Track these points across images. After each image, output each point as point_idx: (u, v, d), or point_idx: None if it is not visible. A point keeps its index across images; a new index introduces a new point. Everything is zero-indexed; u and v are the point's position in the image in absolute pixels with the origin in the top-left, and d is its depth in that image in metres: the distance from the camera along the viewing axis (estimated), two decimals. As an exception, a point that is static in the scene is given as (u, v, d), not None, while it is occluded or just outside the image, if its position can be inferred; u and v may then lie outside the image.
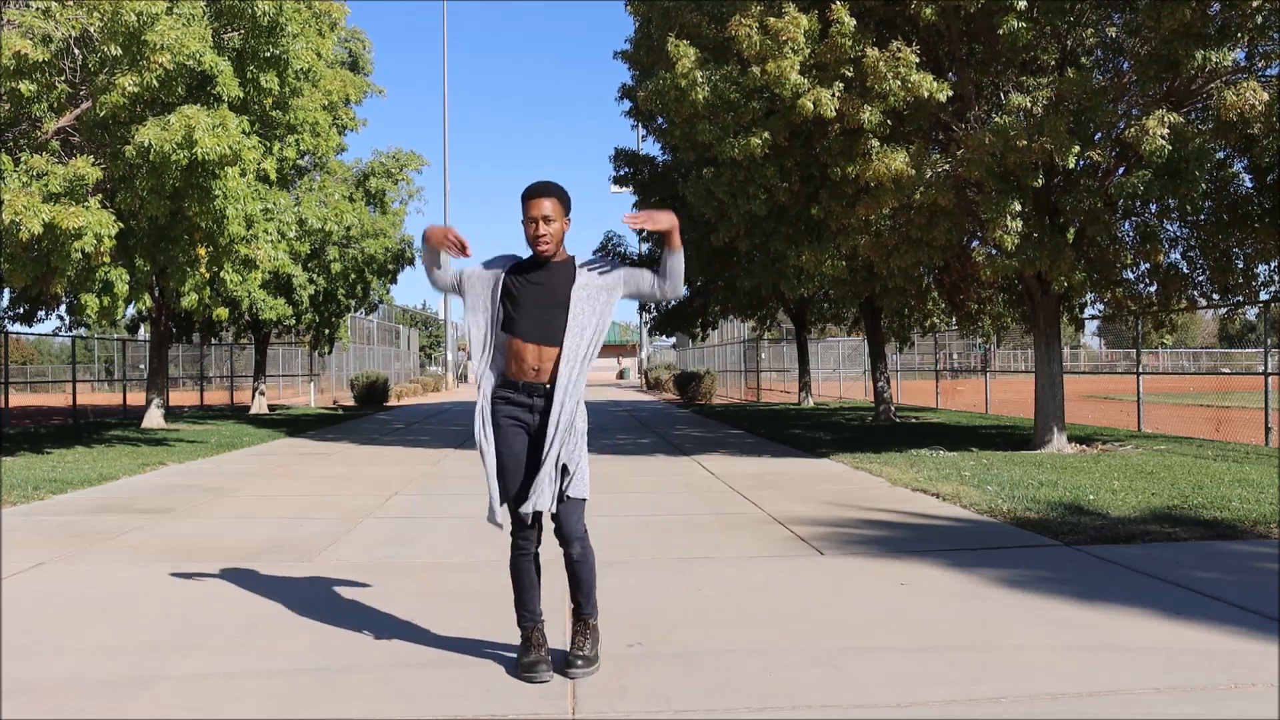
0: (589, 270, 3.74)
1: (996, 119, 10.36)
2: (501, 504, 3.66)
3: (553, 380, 3.64)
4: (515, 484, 3.65)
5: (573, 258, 3.76)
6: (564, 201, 3.70)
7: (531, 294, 3.67)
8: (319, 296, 21.01)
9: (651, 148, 25.27)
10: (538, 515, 3.69)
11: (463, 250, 3.70)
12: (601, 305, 3.72)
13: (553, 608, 4.12)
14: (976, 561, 5.60)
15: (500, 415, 3.69)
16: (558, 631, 4.04)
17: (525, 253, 3.78)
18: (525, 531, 3.70)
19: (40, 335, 41.57)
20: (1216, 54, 9.64)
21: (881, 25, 10.87)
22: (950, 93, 10.27)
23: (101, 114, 10.14)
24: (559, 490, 3.63)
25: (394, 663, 3.83)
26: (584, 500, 3.71)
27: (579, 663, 3.67)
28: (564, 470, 3.64)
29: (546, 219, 3.63)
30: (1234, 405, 19.96)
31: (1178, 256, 12.10)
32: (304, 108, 13.50)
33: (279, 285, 19.07)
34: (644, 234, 23.94)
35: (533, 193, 3.67)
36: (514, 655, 3.83)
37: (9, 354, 18.62)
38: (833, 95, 10.21)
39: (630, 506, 8.01)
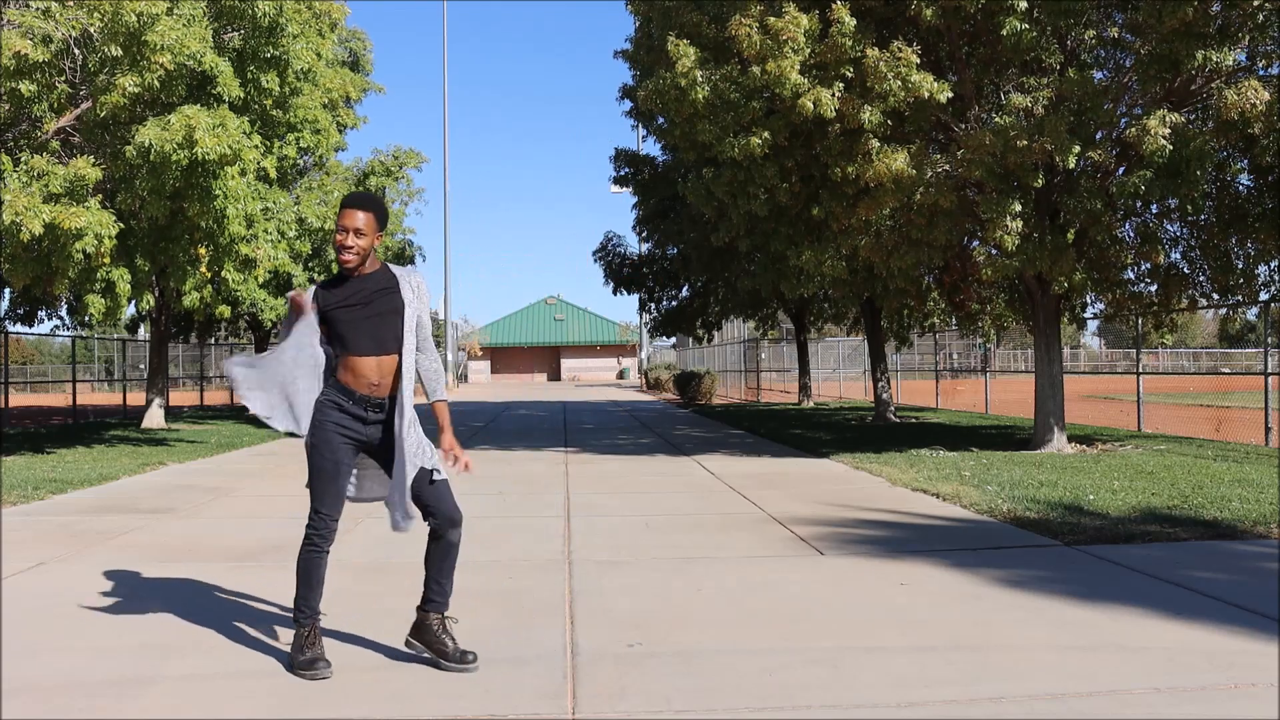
0: (407, 279, 3.79)
1: (997, 119, 10.36)
2: (327, 508, 3.70)
3: (393, 393, 3.72)
4: (341, 490, 3.73)
5: (385, 264, 3.81)
6: (380, 218, 3.74)
7: (357, 309, 3.69)
8: (319, 296, 20.99)
9: (652, 148, 25.31)
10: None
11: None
12: (418, 313, 3.81)
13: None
14: (976, 561, 5.60)
15: (329, 423, 3.71)
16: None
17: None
18: (331, 530, 3.73)
19: (40, 335, 41.60)
20: (1217, 53, 9.63)
21: (882, 25, 10.87)
22: (950, 93, 10.26)
23: (102, 114, 10.14)
24: (426, 476, 3.74)
25: (393, 663, 3.83)
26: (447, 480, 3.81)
27: (470, 658, 3.69)
28: (421, 464, 3.74)
29: (358, 232, 3.66)
30: (1234, 405, 19.96)
31: (1178, 257, 12.10)
32: (304, 106, 13.50)
33: (279, 285, 19.07)
34: (643, 234, 23.96)
35: (350, 203, 3.71)
36: (512, 655, 3.83)
37: (9, 354, 18.62)
38: (833, 95, 10.20)
39: (631, 506, 8.00)
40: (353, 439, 3.73)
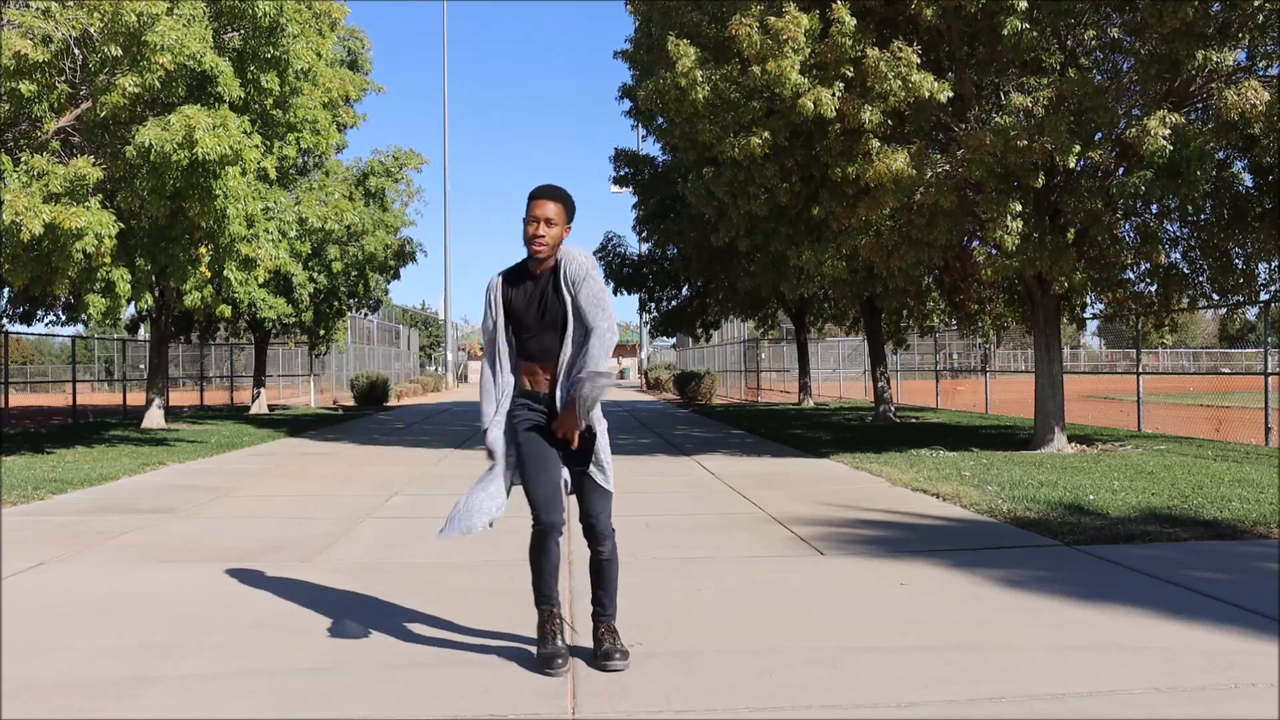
0: (568, 263, 3.72)
1: (997, 119, 10.37)
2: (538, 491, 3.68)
3: (551, 390, 3.73)
4: (553, 478, 3.69)
5: (558, 259, 3.77)
6: (569, 209, 3.71)
7: (532, 311, 3.71)
8: (319, 295, 21.02)
9: (651, 148, 25.30)
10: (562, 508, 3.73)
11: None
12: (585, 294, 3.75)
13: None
14: (976, 561, 5.60)
15: (520, 421, 3.76)
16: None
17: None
18: (545, 519, 3.66)
19: (40, 335, 41.59)
20: (1217, 54, 9.64)
21: (882, 25, 10.87)
22: (951, 93, 10.26)
23: (102, 114, 10.14)
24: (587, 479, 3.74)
25: (394, 663, 3.83)
26: (611, 494, 3.78)
27: (618, 656, 3.71)
28: (593, 462, 3.73)
29: (549, 221, 3.65)
30: (1234, 405, 19.97)
31: (1178, 256, 12.10)
32: (304, 105, 13.50)
33: (279, 284, 19.08)
34: (643, 234, 23.96)
35: (540, 194, 3.68)
36: (513, 655, 3.84)
37: (9, 354, 18.62)
38: (833, 95, 10.21)
39: (631, 506, 8.00)
40: (542, 429, 3.74)
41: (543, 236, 3.64)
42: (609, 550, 3.77)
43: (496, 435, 3.78)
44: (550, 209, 3.64)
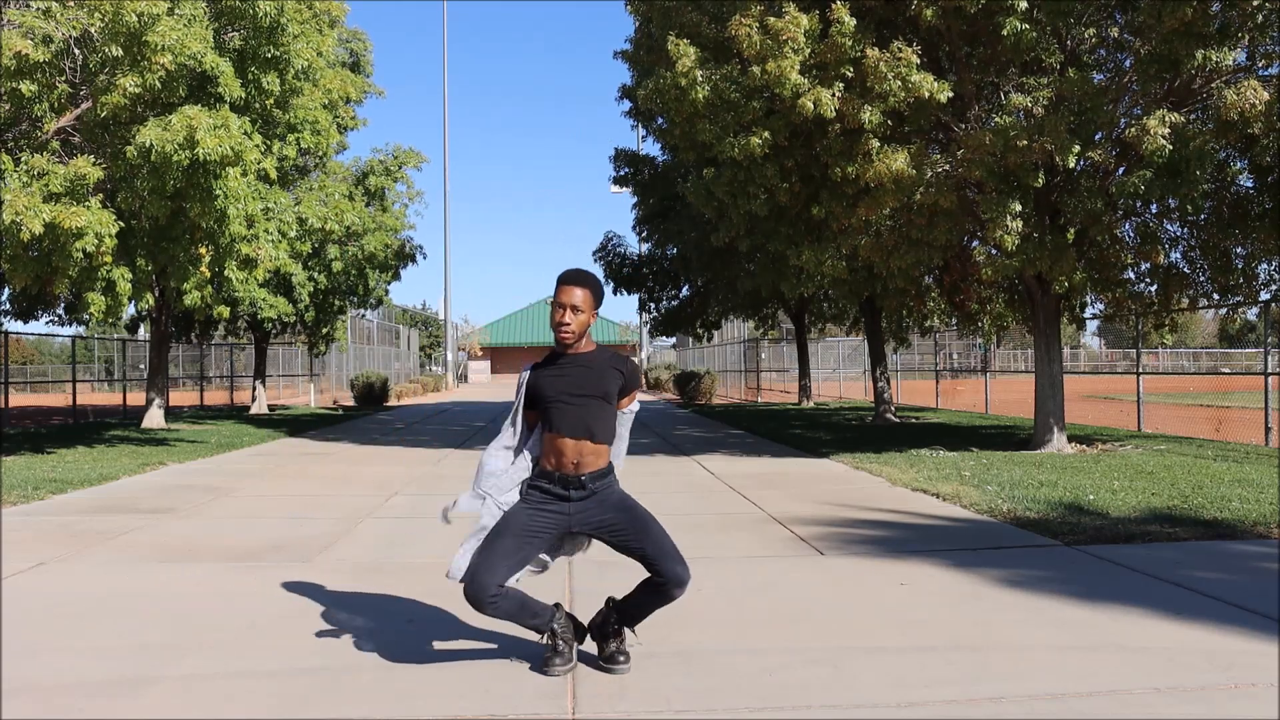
0: (620, 365, 3.74)
1: (997, 119, 10.37)
2: (465, 574, 3.53)
3: (597, 471, 3.65)
4: (505, 549, 3.56)
5: (597, 347, 3.73)
6: (596, 295, 3.66)
7: (565, 386, 3.63)
8: (319, 295, 21.03)
9: (651, 148, 25.32)
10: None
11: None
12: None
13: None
14: (976, 561, 5.60)
15: (532, 501, 3.66)
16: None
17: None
18: (478, 592, 3.53)
19: (40, 335, 41.62)
20: (1217, 53, 9.64)
21: (882, 25, 10.86)
22: (950, 93, 10.26)
23: (102, 114, 10.14)
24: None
25: (394, 663, 3.83)
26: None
27: (621, 658, 3.72)
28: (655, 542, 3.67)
29: (575, 309, 3.60)
30: (1234, 405, 19.97)
31: (1178, 256, 12.10)
32: (304, 106, 13.51)
33: (279, 284, 19.09)
34: (643, 234, 23.96)
35: (567, 279, 3.64)
36: (513, 655, 3.85)
37: (9, 354, 18.63)
38: (833, 95, 10.20)
39: (630, 506, 7.99)
40: (552, 514, 3.64)
41: (569, 324, 3.60)
42: (681, 594, 3.67)
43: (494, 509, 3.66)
44: (578, 296, 3.60)
